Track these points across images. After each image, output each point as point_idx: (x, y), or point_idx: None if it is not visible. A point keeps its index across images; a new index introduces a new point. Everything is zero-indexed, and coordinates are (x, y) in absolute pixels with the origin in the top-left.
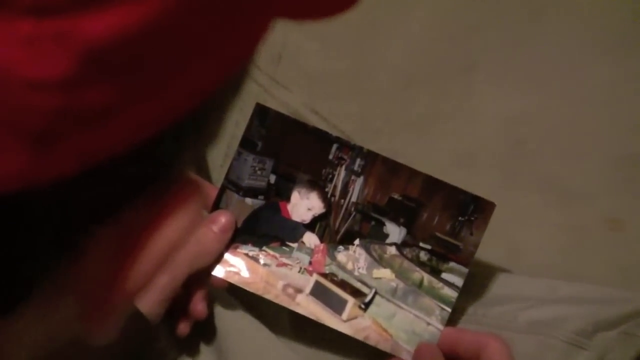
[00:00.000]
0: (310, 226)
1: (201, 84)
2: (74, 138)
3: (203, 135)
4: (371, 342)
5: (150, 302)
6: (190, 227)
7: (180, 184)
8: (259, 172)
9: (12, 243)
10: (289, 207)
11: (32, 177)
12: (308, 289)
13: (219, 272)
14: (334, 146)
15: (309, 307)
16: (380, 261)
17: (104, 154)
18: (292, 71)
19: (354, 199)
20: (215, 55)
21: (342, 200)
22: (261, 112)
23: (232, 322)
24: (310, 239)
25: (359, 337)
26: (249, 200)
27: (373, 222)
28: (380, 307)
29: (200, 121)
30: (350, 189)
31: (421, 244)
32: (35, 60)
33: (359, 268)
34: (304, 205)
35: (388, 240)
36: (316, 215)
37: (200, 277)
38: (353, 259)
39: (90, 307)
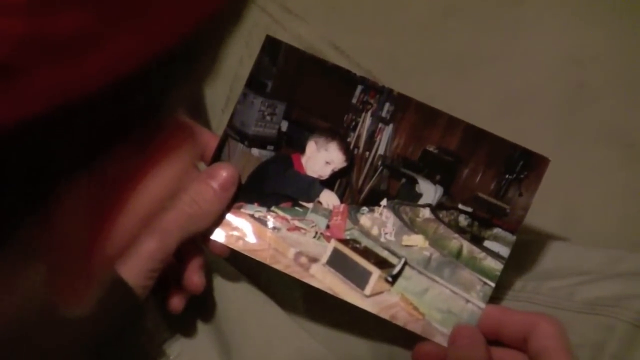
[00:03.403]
0: (329, 183)
1: (193, 7)
2: (42, 72)
3: (198, 70)
4: (399, 323)
5: (136, 272)
6: (180, 179)
7: (170, 128)
8: (268, 118)
9: None
10: (304, 160)
11: None
12: (325, 258)
13: (218, 236)
14: (359, 88)
15: (325, 279)
16: (411, 226)
17: (79, 91)
18: None
19: (381, 151)
20: None
21: (367, 153)
22: (271, 47)
23: (234, 297)
24: (329, 198)
25: (385, 316)
26: (255, 152)
27: (403, 180)
28: (411, 280)
29: (194, 53)
30: (377, 140)
31: (460, 206)
32: None
33: (385, 234)
34: (321, 158)
35: (421, 201)
36: (336, 170)
37: (196, 244)
38: (379, 223)
39: (63, 273)
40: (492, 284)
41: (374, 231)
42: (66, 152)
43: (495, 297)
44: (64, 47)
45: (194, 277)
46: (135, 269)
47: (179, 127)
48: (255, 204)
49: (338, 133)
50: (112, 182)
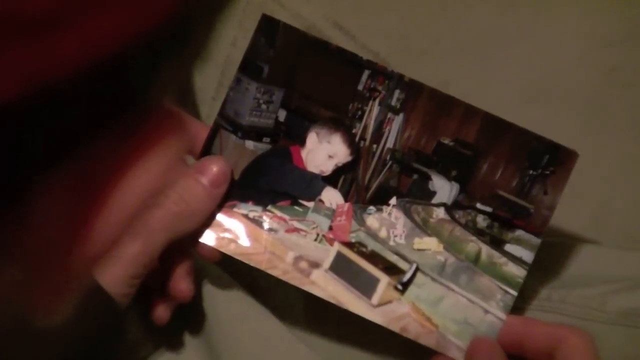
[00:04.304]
0: (332, 180)
1: None
2: (14, 52)
3: (186, 53)
4: (410, 335)
5: (116, 279)
6: (167, 174)
7: (155, 117)
8: (264, 107)
9: None
10: (304, 153)
11: None
12: (327, 264)
13: (208, 239)
14: (365, 73)
15: (328, 287)
16: (424, 227)
17: (55, 74)
18: None
19: (390, 144)
20: None
21: (375, 146)
22: (268, 27)
23: (225, 306)
24: (331, 196)
25: (394, 328)
26: (250, 144)
27: (415, 176)
28: (423, 288)
29: (182, 33)
30: (386, 131)
31: (479, 206)
32: None
33: (395, 236)
34: (323, 151)
35: (435, 200)
36: (339, 165)
37: (184, 246)
38: (388, 224)
39: (37, 277)
40: (514, 293)
41: (382, 233)
42: (42, 142)
43: (517, 307)
44: (35, 25)
45: (180, 284)
46: (116, 274)
47: (165, 116)
48: (250, 203)
49: (342, 123)
50: (91, 177)
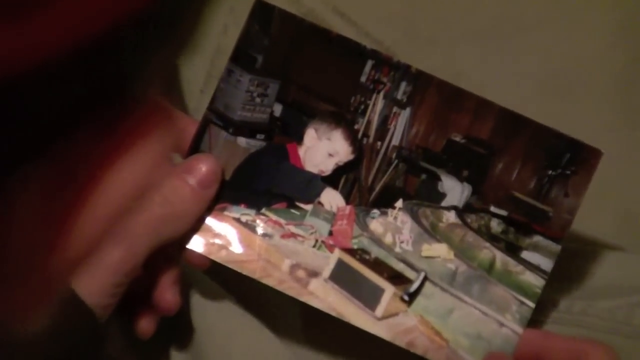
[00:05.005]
0: (332, 180)
1: None
2: None
3: (174, 42)
4: (417, 351)
5: (96, 288)
6: (151, 173)
7: (140, 110)
8: (258, 100)
9: None
10: (301, 151)
11: None
12: (327, 272)
13: (197, 245)
14: (369, 63)
15: (328, 298)
16: (432, 233)
17: (32, 59)
18: None
19: (396, 141)
20: None
21: (379, 143)
22: (262, 12)
23: (216, 319)
24: (332, 198)
25: (400, 342)
26: (242, 141)
27: (423, 176)
28: (432, 299)
29: (170, 18)
30: (391, 127)
31: (493, 209)
32: None
33: (401, 242)
34: (323, 149)
35: (445, 203)
36: (340, 164)
37: (170, 253)
38: (393, 228)
39: (12, 283)
40: (532, 304)
41: (387, 239)
42: (18, 135)
43: (535, 320)
44: (11, 5)
45: (166, 294)
46: (95, 283)
47: (151, 109)
48: (242, 206)
49: (343, 119)
50: (71, 174)
